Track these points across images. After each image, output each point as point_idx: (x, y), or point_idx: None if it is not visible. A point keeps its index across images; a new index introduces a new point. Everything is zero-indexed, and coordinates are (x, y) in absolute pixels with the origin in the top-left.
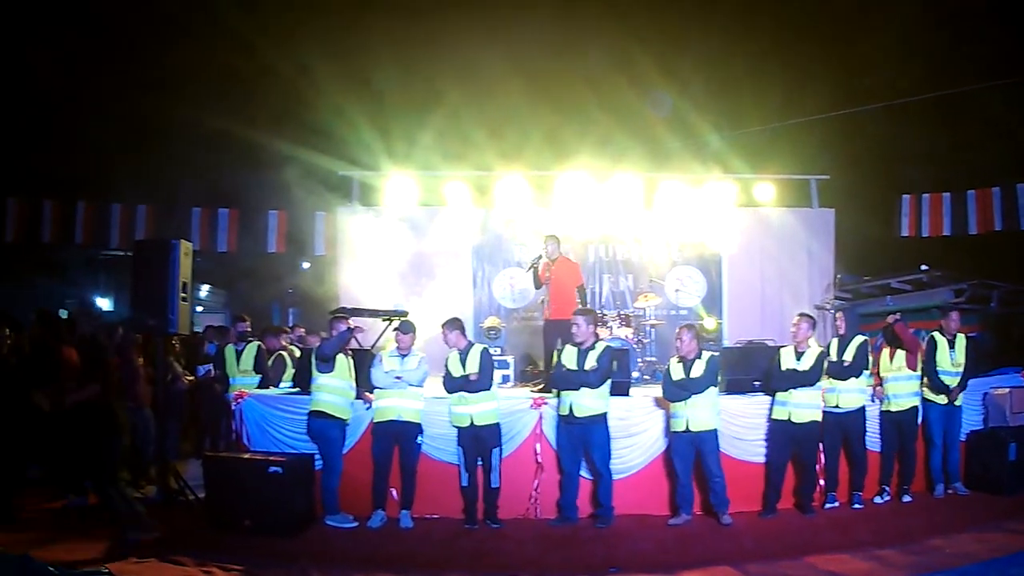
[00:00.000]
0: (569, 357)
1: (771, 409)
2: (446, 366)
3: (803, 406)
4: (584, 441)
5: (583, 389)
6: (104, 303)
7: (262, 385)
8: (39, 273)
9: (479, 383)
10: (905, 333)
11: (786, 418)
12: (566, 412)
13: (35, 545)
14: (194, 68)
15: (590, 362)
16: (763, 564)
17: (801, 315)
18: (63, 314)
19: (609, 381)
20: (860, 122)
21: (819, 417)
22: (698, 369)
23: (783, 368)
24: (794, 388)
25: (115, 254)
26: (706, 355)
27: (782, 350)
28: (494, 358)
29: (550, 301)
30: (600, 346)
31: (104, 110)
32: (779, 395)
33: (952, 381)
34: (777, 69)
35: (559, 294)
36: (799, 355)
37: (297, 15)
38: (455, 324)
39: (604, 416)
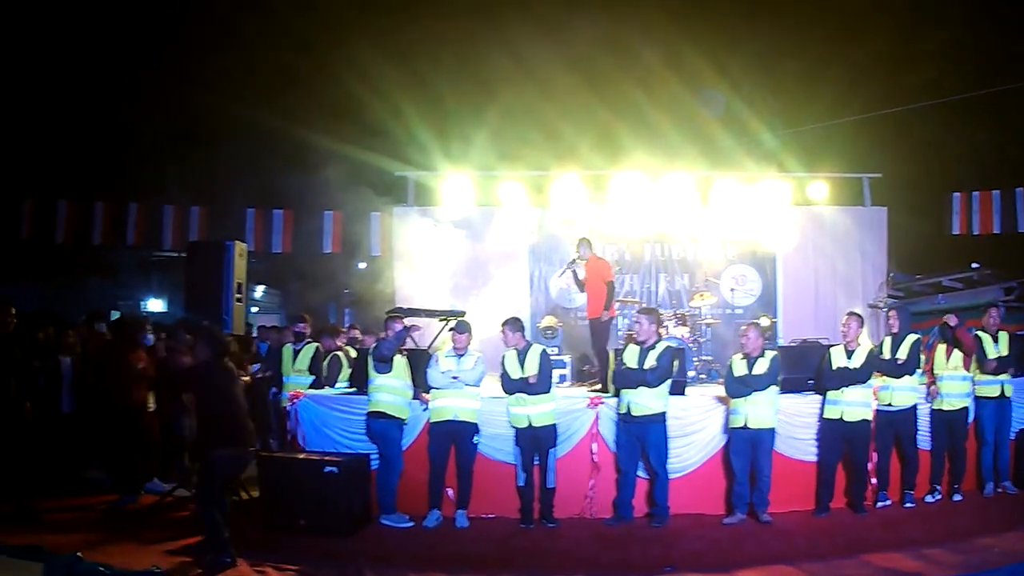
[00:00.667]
0: (631, 356)
1: (822, 408)
2: (503, 366)
3: (855, 404)
4: (641, 440)
5: (641, 388)
6: (157, 304)
7: (315, 385)
8: (91, 274)
9: (538, 386)
10: (966, 337)
11: (838, 417)
12: (624, 411)
13: (85, 546)
14: (248, 68)
15: (650, 361)
16: (818, 563)
17: (850, 314)
18: (114, 315)
19: (669, 381)
20: (911, 120)
21: (870, 416)
22: (761, 367)
23: (834, 367)
24: (846, 386)
25: (168, 255)
26: (769, 354)
27: (832, 349)
28: (551, 358)
29: (587, 301)
30: (661, 345)
31: (157, 111)
32: (831, 394)
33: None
34: (829, 67)
35: (592, 293)
36: (849, 353)
37: (352, 14)
38: (517, 324)
39: (663, 416)
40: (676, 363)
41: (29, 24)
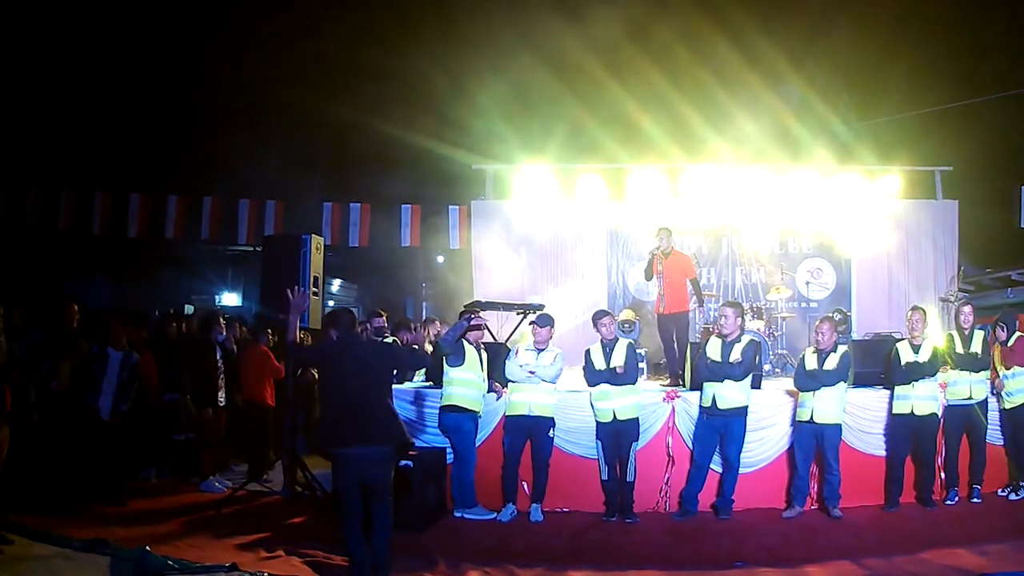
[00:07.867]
0: (714, 349)
1: (891, 403)
2: (588, 358)
3: (924, 398)
4: (722, 433)
5: (727, 381)
6: (232, 298)
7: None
8: (164, 267)
9: (625, 376)
10: None
11: (908, 411)
12: (708, 404)
13: (152, 540)
14: (325, 61)
15: (735, 354)
16: (883, 559)
17: (914, 308)
18: (189, 310)
19: (751, 374)
20: (982, 112)
21: (938, 410)
22: (831, 362)
23: (902, 362)
24: (916, 381)
25: (243, 249)
26: (841, 349)
27: (898, 344)
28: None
29: (664, 295)
30: (745, 339)
31: (232, 105)
32: (900, 389)
33: None
34: (901, 60)
35: (672, 287)
36: (916, 348)
37: (428, 6)
38: (609, 316)
39: (745, 409)
40: (757, 357)
41: (101, 12)
